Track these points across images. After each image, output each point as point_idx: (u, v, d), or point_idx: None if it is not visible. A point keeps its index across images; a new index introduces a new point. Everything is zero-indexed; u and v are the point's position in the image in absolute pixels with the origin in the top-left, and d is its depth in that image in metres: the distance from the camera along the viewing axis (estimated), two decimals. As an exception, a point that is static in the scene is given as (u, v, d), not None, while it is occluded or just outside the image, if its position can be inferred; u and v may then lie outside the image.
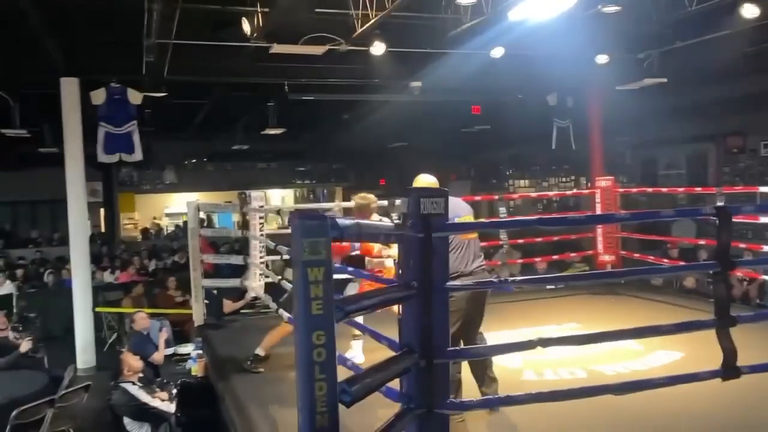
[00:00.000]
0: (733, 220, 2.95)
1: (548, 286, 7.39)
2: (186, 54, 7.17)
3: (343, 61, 7.36)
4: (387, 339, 2.99)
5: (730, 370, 3.08)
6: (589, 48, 7.41)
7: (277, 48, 6.64)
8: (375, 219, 5.06)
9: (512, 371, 4.74)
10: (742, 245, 6.78)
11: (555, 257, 8.05)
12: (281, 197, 21.14)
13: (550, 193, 12.32)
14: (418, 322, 2.68)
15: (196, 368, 5.57)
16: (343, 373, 2.23)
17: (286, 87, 7.97)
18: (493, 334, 5.80)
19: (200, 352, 5.67)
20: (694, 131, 11.23)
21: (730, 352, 3.08)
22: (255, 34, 6.48)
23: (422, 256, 2.69)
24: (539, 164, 16.10)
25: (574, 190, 12.13)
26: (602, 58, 7.54)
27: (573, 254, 8.05)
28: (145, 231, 18.09)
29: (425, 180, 4.15)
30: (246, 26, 6.50)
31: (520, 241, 7.93)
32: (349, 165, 19.64)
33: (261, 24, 6.42)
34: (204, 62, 7.48)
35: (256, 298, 6.52)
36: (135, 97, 8.26)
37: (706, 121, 10.61)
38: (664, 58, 7.44)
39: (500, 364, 4.87)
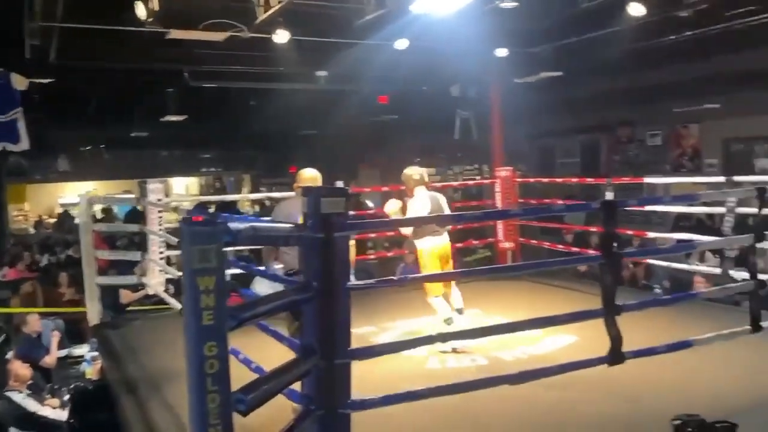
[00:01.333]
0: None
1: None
2: (75, 38, 6.73)
3: (246, 49, 7.17)
4: (288, 340, 2.97)
5: (615, 356, 3.29)
6: (489, 42, 7.60)
7: (174, 33, 6.36)
8: (420, 195, 5.13)
9: (417, 360, 4.84)
10: (630, 231, 7.20)
11: (459, 245, 8.25)
12: (185, 186, 20.43)
13: (454, 183, 12.62)
14: (319, 323, 2.67)
15: (90, 371, 5.32)
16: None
17: (185, 74, 7.66)
18: (399, 323, 5.97)
19: (95, 354, 5.40)
20: (588, 122, 11.81)
21: (616, 340, 3.28)
22: (150, 19, 6.17)
23: (323, 256, 2.67)
24: (445, 153, 16.43)
25: (477, 179, 12.49)
26: (501, 52, 7.77)
27: (476, 241, 8.29)
28: (39, 222, 16.98)
29: (308, 174, 4.25)
30: (141, 10, 6.18)
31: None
32: (257, 152, 19.20)
33: (157, 8, 6.12)
34: (95, 47, 7.05)
35: (154, 295, 6.30)
36: (19, 82, 7.69)
37: (598, 113, 11.17)
38: (558, 52, 7.76)
39: (405, 354, 4.97)
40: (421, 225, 5.00)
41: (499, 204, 8.08)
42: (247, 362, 3.19)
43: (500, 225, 8.06)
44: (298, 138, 16.17)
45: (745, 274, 4.15)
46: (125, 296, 6.96)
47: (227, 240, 2.07)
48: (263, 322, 3.06)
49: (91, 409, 4.67)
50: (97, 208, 14.39)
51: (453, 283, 5.23)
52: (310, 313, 2.67)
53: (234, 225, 2.10)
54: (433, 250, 5.15)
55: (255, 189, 18.97)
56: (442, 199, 5.33)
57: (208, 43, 6.84)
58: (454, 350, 4.88)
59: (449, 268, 5.24)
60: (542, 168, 12.63)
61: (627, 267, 8.87)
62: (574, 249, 8.02)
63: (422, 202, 5.12)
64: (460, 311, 5.20)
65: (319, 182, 4.19)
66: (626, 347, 3.29)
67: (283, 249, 3.91)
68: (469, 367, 4.64)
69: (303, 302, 2.61)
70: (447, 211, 5.26)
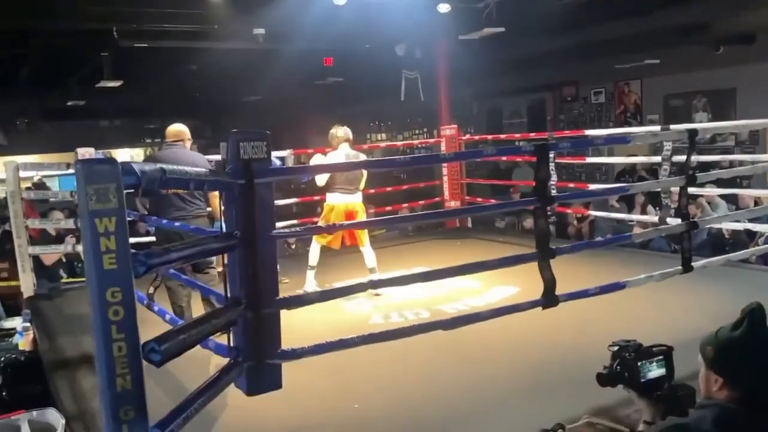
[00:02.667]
0: (566, 161, 3.12)
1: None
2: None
3: (178, 6, 6.86)
4: (214, 292, 2.87)
5: (549, 299, 3.30)
6: (431, -4, 7.47)
7: (99, -11, 6.05)
8: (340, 150, 5.41)
9: (361, 316, 4.83)
10: (572, 184, 7.28)
11: (405, 205, 8.23)
12: (130, 156, 19.80)
13: (398, 143, 12.56)
14: (243, 273, 2.58)
15: (23, 342, 5.09)
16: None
17: (114, 32, 7.29)
18: (343, 284, 5.91)
19: (27, 324, 5.19)
20: (533, 81, 11.85)
21: (549, 282, 3.29)
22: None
23: (244, 203, 2.57)
24: (394, 117, 16.33)
25: (421, 140, 12.44)
26: (444, 7, 7.63)
27: (421, 201, 8.28)
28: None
29: (175, 129, 4.64)
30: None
31: (372, 191, 8.00)
32: (203, 121, 18.68)
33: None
34: (12, 5, 6.63)
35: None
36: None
37: (542, 72, 11.20)
38: (501, 7, 7.67)
39: (348, 310, 4.96)
40: (337, 174, 5.24)
41: (444, 171, 8.07)
42: (161, 313, 3.08)
43: (446, 184, 8.05)
44: (244, 105, 15.78)
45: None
46: (46, 259, 6.70)
47: (132, 182, 1.95)
48: (184, 275, 2.94)
49: (22, 381, 4.49)
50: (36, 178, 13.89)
51: (364, 243, 5.43)
52: (232, 262, 2.58)
53: (139, 165, 1.97)
54: (338, 205, 5.35)
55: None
56: (362, 158, 5.61)
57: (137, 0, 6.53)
58: (377, 294, 5.06)
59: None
60: (489, 130, 12.67)
61: (572, 224, 9.04)
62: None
63: (339, 156, 5.38)
64: (372, 270, 5.42)
65: (186, 136, 4.65)
66: (563, 293, 3.32)
67: None
68: (411, 320, 4.64)
69: (225, 251, 2.51)
70: (363, 171, 5.45)
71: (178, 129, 4.67)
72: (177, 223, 4.09)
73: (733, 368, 1.68)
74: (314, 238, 5.46)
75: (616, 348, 2.08)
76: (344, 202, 5.35)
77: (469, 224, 8.70)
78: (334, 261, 6.09)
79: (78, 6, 6.77)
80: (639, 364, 2.01)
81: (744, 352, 1.68)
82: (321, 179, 5.33)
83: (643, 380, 2.00)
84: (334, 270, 5.89)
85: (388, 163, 3.60)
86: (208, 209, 4.71)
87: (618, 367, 2.03)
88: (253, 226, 2.55)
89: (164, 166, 2.09)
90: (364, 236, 5.43)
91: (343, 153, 5.41)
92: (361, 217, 5.39)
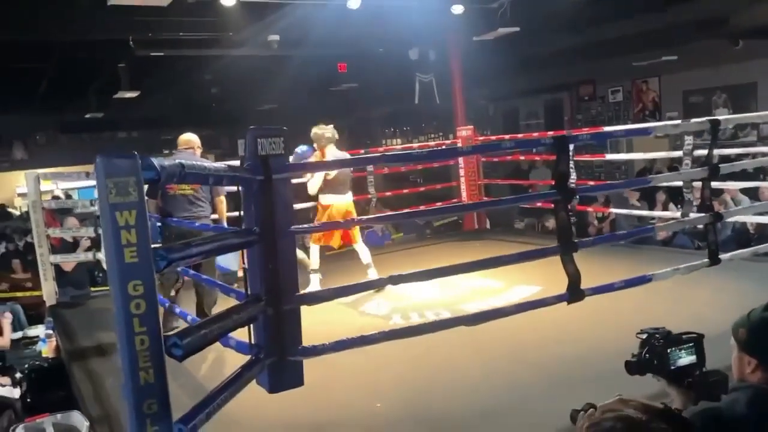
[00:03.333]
0: (587, 159, 3.07)
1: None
2: (6, 10, 6.42)
3: (192, 14, 6.90)
4: (234, 291, 2.86)
5: (574, 293, 3.24)
6: (444, -2, 7.46)
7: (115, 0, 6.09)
8: (331, 152, 5.41)
9: (380, 318, 4.79)
10: (591, 183, 7.20)
11: (422, 208, 8.17)
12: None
13: (414, 145, 12.50)
14: (263, 269, 2.56)
15: (46, 350, 5.14)
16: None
17: (131, 42, 7.37)
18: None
19: (50, 332, 5.22)
20: (549, 81, 11.76)
21: (573, 276, 3.23)
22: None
23: (263, 199, 2.56)
24: (410, 121, 16.30)
25: (437, 142, 12.39)
26: (458, 9, 7.60)
27: (439, 204, 8.22)
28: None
29: (185, 137, 4.83)
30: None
31: (388, 193, 8.00)
32: (219, 131, 18.81)
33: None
34: (31, 19, 6.72)
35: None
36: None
37: (559, 71, 11.12)
38: (515, 7, 7.63)
39: (369, 312, 4.92)
40: (330, 177, 5.31)
41: (462, 172, 8.02)
42: (183, 315, 3.07)
43: (463, 186, 8.00)
44: (260, 113, 15.86)
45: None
46: (64, 265, 6.75)
47: (151, 177, 1.94)
48: (207, 277, 2.93)
49: (47, 386, 4.52)
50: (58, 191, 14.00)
51: (357, 240, 5.56)
52: (253, 258, 2.57)
53: (158, 160, 1.97)
54: (334, 204, 5.41)
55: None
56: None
57: (152, 9, 6.57)
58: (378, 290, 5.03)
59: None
60: (506, 131, 12.57)
61: (593, 224, 8.94)
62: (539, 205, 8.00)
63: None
64: (368, 266, 5.53)
65: (196, 144, 4.83)
66: (588, 287, 3.26)
67: None
68: (432, 320, 4.58)
69: (244, 246, 2.50)
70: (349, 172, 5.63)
71: (187, 137, 4.90)
72: (197, 223, 4.15)
73: (766, 348, 1.63)
74: (311, 241, 5.56)
75: (644, 336, 2.02)
76: (338, 202, 5.43)
77: (488, 226, 8.63)
78: (336, 265, 6.11)
79: (94, 17, 6.84)
80: (669, 351, 1.95)
81: None
82: (314, 186, 5.39)
83: (672, 367, 1.94)
84: (338, 273, 5.89)
85: (404, 158, 3.58)
86: (213, 216, 4.87)
87: (647, 355, 1.97)
88: (272, 221, 2.54)
89: (183, 161, 2.09)
90: (357, 234, 5.57)
91: (332, 155, 5.38)
92: (354, 216, 5.49)
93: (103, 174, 1.77)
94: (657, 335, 1.97)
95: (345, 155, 5.63)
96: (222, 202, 4.81)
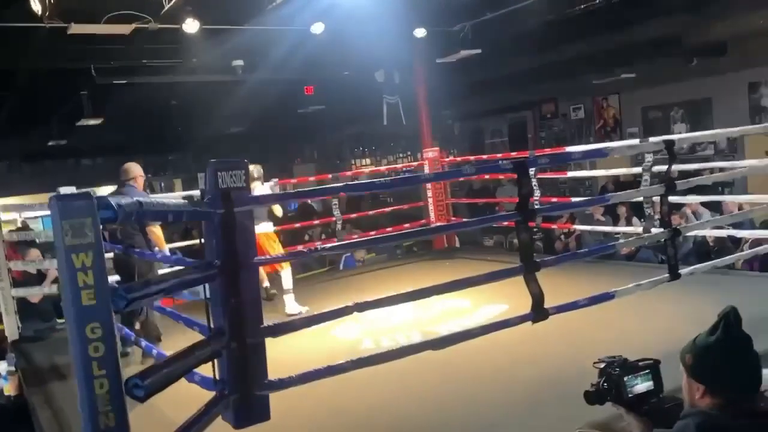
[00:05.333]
0: (549, 177, 3.15)
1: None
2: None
3: (155, 41, 6.88)
4: (198, 324, 2.82)
5: (539, 312, 3.28)
6: (406, 22, 7.56)
7: (75, 28, 6.04)
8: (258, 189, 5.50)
9: (351, 342, 4.77)
10: (555, 199, 7.31)
11: (389, 229, 8.22)
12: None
13: (382, 168, 12.57)
14: (225, 303, 2.55)
15: (8, 387, 4.99)
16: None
17: (92, 70, 7.30)
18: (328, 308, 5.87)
19: (12, 368, 5.08)
20: (512, 100, 11.98)
21: (537, 296, 3.28)
22: (47, 13, 5.84)
23: (224, 232, 2.55)
24: (378, 142, 16.39)
25: (404, 164, 12.48)
26: (420, 32, 7.73)
27: (407, 225, 8.26)
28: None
29: (125, 167, 4.84)
30: (35, 5, 5.83)
31: (353, 215, 8.01)
32: (186, 155, 18.64)
33: (53, 2, 5.79)
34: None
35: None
36: None
37: (521, 90, 11.33)
38: (476, 30, 7.78)
39: (339, 336, 4.90)
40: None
41: (429, 193, 8.08)
42: (149, 349, 3.03)
43: (431, 206, 8.06)
44: (228, 137, 15.79)
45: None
46: (32, 298, 6.59)
47: (108, 216, 1.93)
48: (171, 310, 2.91)
49: (8, 426, 4.39)
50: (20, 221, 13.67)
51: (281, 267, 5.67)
52: (214, 292, 2.55)
53: (115, 199, 1.96)
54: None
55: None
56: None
57: (114, 37, 6.53)
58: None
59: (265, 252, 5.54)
60: (472, 150, 12.75)
61: (559, 239, 9.07)
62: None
63: (264, 190, 5.68)
64: (287, 291, 5.70)
65: (135, 173, 4.84)
66: (552, 306, 3.30)
67: None
68: (402, 344, 4.58)
69: (205, 281, 2.48)
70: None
71: (126, 167, 4.86)
72: (161, 253, 4.12)
73: (712, 374, 1.66)
74: (284, 264, 5.66)
75: (602, 365, 2.06)
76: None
77: (457, 244, 8.70)
78: (316, 287, 6.09)
79: (55, 45, 6.76)
80: (625, 379, 1.99)
81: (721, 356, 1.66)
82: (280, 210, 5.76)
83: (630, 395, 1.98)
84: (318, 296, 5.87)
85: (368, 186, 3.61)
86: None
87: (605, 384, 2.01)
88: (234, 254, 2.53)
89: (142, 199, 2.08)
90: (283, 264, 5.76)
91: (259, 192, 5.53)
92: (274, 244, 5.78)
93: (58, 216, 1.75)
94: (614, 363, 2.01)
95: (267, 190, 5.90)
96: (153, 232, 4.66)
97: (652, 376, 2.00)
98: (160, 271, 5.75)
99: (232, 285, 2.48)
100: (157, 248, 4.62)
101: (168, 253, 4.77)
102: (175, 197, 6.87)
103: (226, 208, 2.50)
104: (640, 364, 2.04)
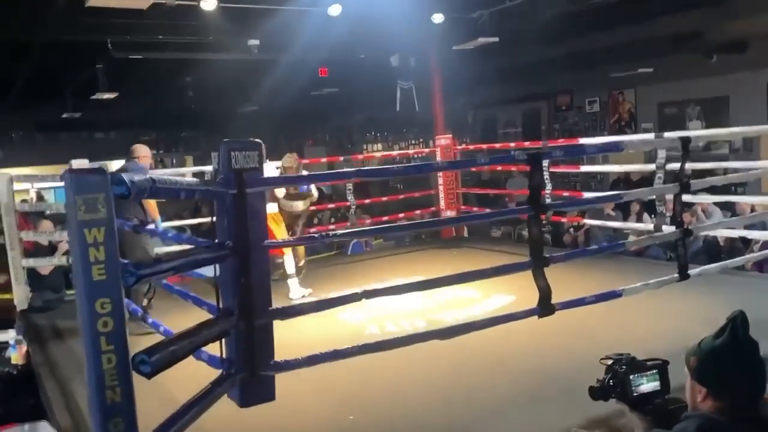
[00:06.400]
0: (561, 171, 3.13)
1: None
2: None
3: (172, 17, 6.85)
4: (206, 303, 2.84)
5: (545, 308, 3.28)
6: (425, 7, 7.50)
7: (93, 1, 6.03)
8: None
9: (355, 326, 4.79)
10: (566, 193, 7.28)
11: (401, 215, 8.22)
12: (125, 169, 19.76)
13: (394, 153, 12.52)
14: (235, 283, 2.56)
15: (15, 356, 5.06)
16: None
17: (109, 44, 7.30)
18: (336, 294, 5.90)
19: (20, 338, 5.15)
20: (528, 90, 11.89)
21: (544, 291, 3.27)
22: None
23: (236, 213, 2.56)
24: (390, 127, 16.34)
25: (416, 150, 12.43)
26: (438, 17, 7.66)
27: (418, 211, 8.26)
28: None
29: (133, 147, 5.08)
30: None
31: (367, 201, 8.01)
32: (198, 132, 18.67)
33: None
34: (7, 18, 6.62)
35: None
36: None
37: (537, 81, 11.25)
38: (494, 17, 7.71)
39: (345, 320, 4.92)
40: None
41: (440, 180, 8.05)
42: (156, 325, 3.06)
43: (442, 194, 8.04)
44: (240, 116, 15.79)
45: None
46: (41, 269, 6.64)
47: (121, 192, 1.94)
48: (181, 289, 2.93)
49: (15, 394, 4.45)
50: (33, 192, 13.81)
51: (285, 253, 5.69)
52: (224, 273, 2.56)
53: (128, 176, 1.96)
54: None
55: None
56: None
57: (132, 12, 6.52)
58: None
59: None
60: (485, 138, 12.68)
61: (568, 232, 9.03)
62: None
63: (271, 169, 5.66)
64: (290, 276, 5.69)
65: (140, 153, 5.24)
66: (559, 302, 3.30)
67: None
68: (407, 330, 4.60)
69: (216, 261, 2.49)
70: None
71: (133, 147, 5.33)
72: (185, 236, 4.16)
73: (716, 378, 1.65)
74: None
75: (609, 362, 2.05)
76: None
77: (466, 233, 8.69)
78: (323, 271, 6.10)
79: (72, 18, 6.76)
80: (631, 377, 1.98)
81: (726, 361, 1.65)
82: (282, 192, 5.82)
83: (635, 394, 1.98)
84: (325, 280, 5.88)
85: (383, 172, 3.60)
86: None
87: (610, 381, 2.01)
88: (245, 235, 2.54)
89: (155, 176, 2.08)
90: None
91: (273, 167, 5.68)
92: (278, 226, 5.76)
93: (72, 190, 1.76)
94: (621, 361, 2.00)
95: (275, 172, 5.90)
96: (147, 202, 4.86)
97: (660, 376, 2.00)
98: (165, 249, 5.83)
99: (242, 266, 2.49)
100: (150, 218, 4.77)
101: (160, 223, 4.92)
102: (185, 172, 6.90)
103: (239, 189, 2.50)
104: (648, 363, 2.03)
